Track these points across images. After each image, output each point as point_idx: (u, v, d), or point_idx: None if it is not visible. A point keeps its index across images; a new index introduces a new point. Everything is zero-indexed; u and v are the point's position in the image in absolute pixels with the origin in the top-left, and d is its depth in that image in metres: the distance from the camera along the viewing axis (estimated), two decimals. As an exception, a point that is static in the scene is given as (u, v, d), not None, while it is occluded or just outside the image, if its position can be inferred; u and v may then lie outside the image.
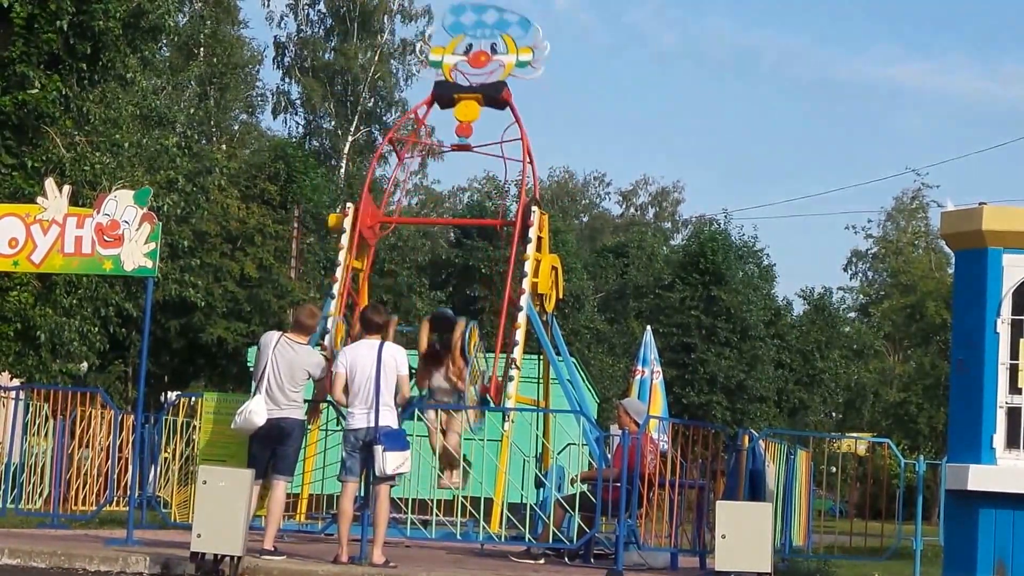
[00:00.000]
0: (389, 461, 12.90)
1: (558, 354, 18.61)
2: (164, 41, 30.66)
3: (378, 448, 12.90)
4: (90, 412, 19.39)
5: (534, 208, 17.80)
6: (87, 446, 19.33)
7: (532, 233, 17.58)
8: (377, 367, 13.07)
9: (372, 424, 12.99)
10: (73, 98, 24.43)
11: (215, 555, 12.33)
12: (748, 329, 54.18)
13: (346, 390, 13.23)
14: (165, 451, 18.00)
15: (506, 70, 18.20)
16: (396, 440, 13.04)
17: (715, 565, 13.36)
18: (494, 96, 18.14)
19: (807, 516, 19.19)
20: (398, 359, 13.22)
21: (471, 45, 18.39)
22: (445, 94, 18.41)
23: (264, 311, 39.11)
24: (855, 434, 43.14)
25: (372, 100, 58.60)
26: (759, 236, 77.89)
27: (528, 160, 18.49)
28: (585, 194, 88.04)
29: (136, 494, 15.11)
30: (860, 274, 78.92)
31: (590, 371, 42.48)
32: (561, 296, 18.71)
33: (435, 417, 15.43)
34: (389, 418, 13.09)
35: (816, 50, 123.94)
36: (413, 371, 14.64)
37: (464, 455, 15.82)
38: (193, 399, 17.76)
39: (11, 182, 23.47)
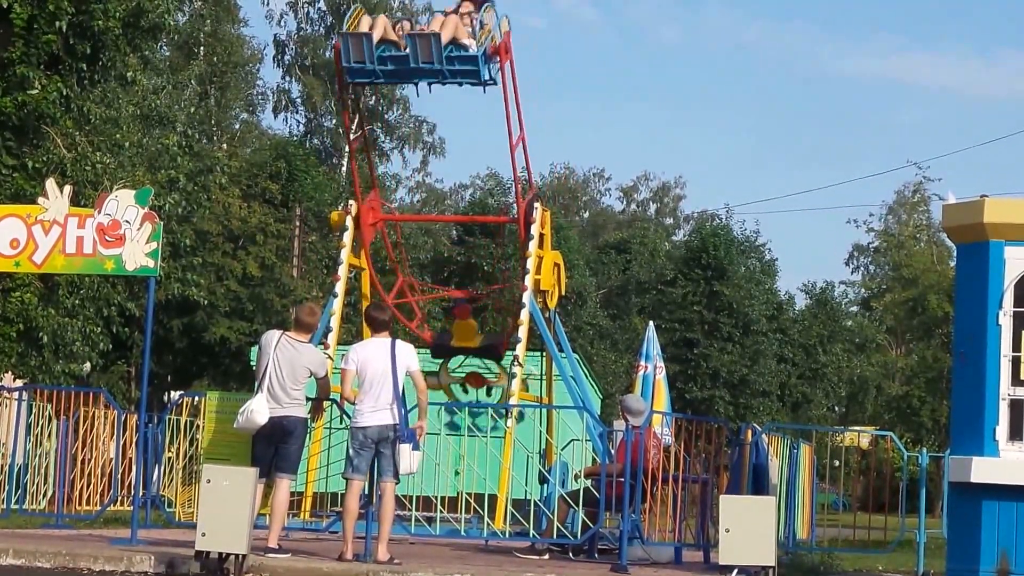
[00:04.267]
0: (415, 460, 13.02)
1: (561, 351, 18.63)
2: (164, 40, 30.72)
3: (405, 447, 12.95)
4: (93, 412, 19.42)
5: (536, 204, 17.80)
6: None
7: (534, 230, 17.58)
8: (392, 365, 13.08)
9: (383, 423, 13.01)
10: (74, 98, 24.44)
11: (220, 554, 12.36)
12: (750, 324, 54.19)
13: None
14: (169, 450, 18.05)
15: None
16: (414, 439, 13.12)
17: (719, 559, 13.39)
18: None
19: (810, 510, 19.17)
20: (409, 356, 13.25)
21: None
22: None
23: (266, 310, 39.14)
24: (858, 428, 43.15)
25: (373, 98, 58.59)
26: (761, 231, 78.04)
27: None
28: (586, 190, 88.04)
29: (140, 494, 15.14)
30: (862, 268, 78.92)
31: (593, 367, 42.50)
32: (563, 293, 18.72)
33: None
34: (401, 417, 13.13)
35: (816, 43, 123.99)
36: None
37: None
38: (196, 398, 17.80)
39: (12, 183, 23.49)
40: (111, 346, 29.66)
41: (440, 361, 19.28)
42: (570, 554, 15.10)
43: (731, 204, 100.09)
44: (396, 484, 13.32)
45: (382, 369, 13.11)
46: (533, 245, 17.51)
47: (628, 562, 13.93)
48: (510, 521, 15.48)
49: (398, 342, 13.34)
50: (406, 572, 12.63)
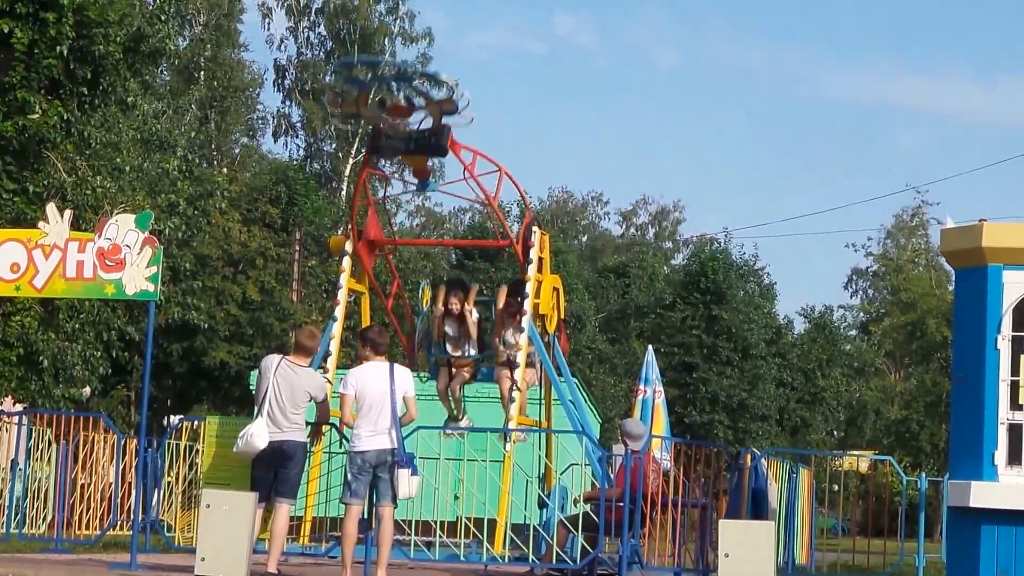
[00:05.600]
0: (413, 484, 13.02)
1: (560, 375, 18.63)
2: (164, 65, 30.77)
3: (404, 471, 12.95)
4: (93, 437, 19.42)
5: (535, 228, 17.82)
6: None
7: (533, 254, 17.58)
8: (391, 389, 13.09)
9: (381, 447, 13.01)
10: (74, 122, 24.50)
11: (219, 578, 12.36)
12: (749, 348, 54.15)
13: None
14: (168, 475, 18.03)
15: (434, 117, 16.03)
16: (413, 463, 13.13)
17: (718, 584, 13.39)
18: (439, 148, 16.49)
19: (810, 534, 19.19)
20: (407, 380, 13.27)
21: (383, 100, 16.20)
22: (385, 151, 17.55)
23: (266, 334, 39.12)
24: (857, 452, 43.19)
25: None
26: (759, 255, 78.03)
27: (503, 183, 18.10)
28: (584, 214, 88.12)
29: (140, 518, 15.13)
30: (860, 292, 78.98)
31: (592, 391, 42.46)
32: (563, 316, 18.73)
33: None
34: (402, 440, 13.14)
35: (815, 68, 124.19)
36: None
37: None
38: (196, 423, 17.80)
39: (13, 207, 23.54)
40: (111, 370, 29.67)
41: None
42: (569, 579, 15.09)
43: (730, 228, 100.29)
44: (395, 509, 13.32)
45: (380, 393, 13.11)
46: (532, 269, 17.52)
47: (627, 587, 13.93)
48: (509, 546, 15.46)
49: (396, 366, 13.36)
50: (405, 597, 12.63)
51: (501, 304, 17.15)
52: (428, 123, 16.09)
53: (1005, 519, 12.47)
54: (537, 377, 17.06)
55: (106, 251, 14.56)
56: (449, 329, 17.14)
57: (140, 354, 33.25)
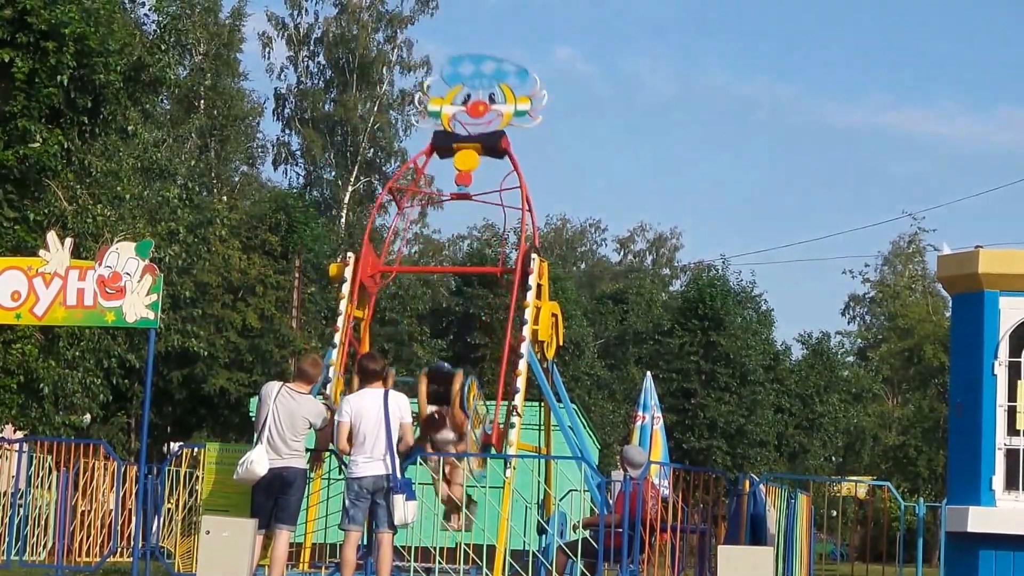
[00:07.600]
0: (410, 510, 13.04)
1: (559, 401, 18.67)
2: (165, 94, 30.89)
3: (399, 497, 12.99)
4: (93, 464, 19.46)
5: (534, 255, 17.88)
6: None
7: (532, 280, 17.64)
8: (385, 416, 13.14)
9: (377, 473, 13.07)
10: (75, 151, 24.60)
11: (220, 604, 12.38)
12: (747, 374, 54.17)
13: (349, 439, 13.32)
14: (168, 502, 18.08)
15: (504, 120, 17.95)
16: (410, 489, 13.17)
17: (717, 609, 13.42)
18: (492, 145, 18.03)
19: (808, 560, 19.21)
20: (402, 407, 13.32)
21: (469, 95, 18.11)
22: (444, 144, 18.39)
23: (266, 361, 39.16)
24: (855, 478, 43.18)
25: (372, 150, 58.77)
26: (757, 281, 78.16)
27: (527, 208, 18.49)
28: (583, 241, 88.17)
29: (140, 545, 15.16)
30: (858, 318, 78.99)
31: (591, 417, 42.47)
32: (561, 343, 18.78)
33: (438, 466, 15.31)
34: (397, 467, 13.18)
35: (812, 98, 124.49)
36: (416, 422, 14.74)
37: (468, 495, 15.82)
38: (196, 450, 17.84)
39: (13, 235, 23.61)
40: (111, 397, 29.71)
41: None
42: (569, 604, 15.11)
43: (727, 255, 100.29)
44: (393, 534, 13.36)
45: (374, 421, 13.17)
46: (531, 296, 17.57)
47: (627, 612, 13.95)
48: (509, 572, 15.48)
49: (391, 393, 13.41)
50: (405, 622, 12.65)
51: (423, 402, 15.41)
52: (495, 125, 17.66)
53: (1003, 544, 12.50)
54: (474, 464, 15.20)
55: (106, 279, 14.64)
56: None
57: (140, 381, 33.29)
